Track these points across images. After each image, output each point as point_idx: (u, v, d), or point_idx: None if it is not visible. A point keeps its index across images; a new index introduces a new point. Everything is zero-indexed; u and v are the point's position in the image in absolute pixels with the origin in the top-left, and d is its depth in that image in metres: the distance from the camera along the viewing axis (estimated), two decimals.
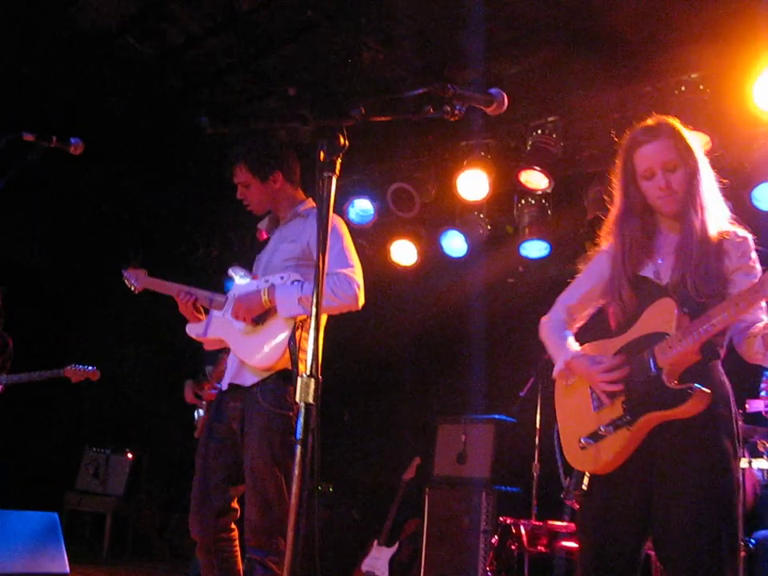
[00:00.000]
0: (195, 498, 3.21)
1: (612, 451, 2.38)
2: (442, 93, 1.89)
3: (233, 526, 3.22)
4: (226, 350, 5.43)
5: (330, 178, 1.85)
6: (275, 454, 3.07)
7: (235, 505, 3.23)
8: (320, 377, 1.72)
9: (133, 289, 3.59)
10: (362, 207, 6.39)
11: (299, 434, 1.67)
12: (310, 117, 1.80)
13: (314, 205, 3.41)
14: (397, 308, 6.98)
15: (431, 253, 6.51)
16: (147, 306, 5.77)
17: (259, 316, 3.18)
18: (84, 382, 5.04)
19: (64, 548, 4.32)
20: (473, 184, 5.88)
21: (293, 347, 3.05)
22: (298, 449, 1.66)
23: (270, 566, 3.03)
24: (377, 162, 6.38)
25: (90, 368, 5.18)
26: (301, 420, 1.68)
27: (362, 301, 3.12)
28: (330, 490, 6.53)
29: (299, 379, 1.72)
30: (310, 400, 1.68)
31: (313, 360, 1.73)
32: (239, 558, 3.25)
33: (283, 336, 3.10)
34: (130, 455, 7.41)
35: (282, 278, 3.19)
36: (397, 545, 6.12)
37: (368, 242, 6.65)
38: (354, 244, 3.29)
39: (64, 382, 5.54)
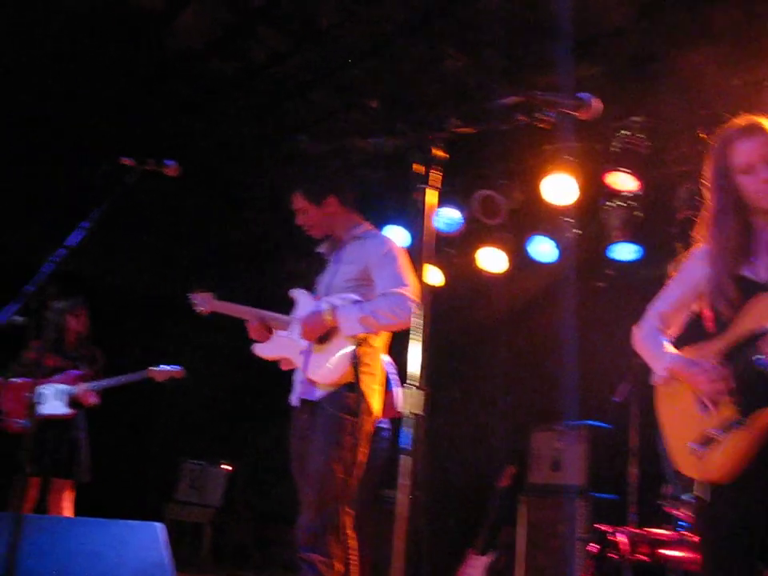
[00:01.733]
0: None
1: (727, 455, 2.30)
2: (531, 100, 1.89)
3: (349, 532, 3.33)
4: None
5: (426, 190, 1.86)
6: (336, 453, 3.21)
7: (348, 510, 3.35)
8: (427, 389, 1.74)
9: (200, 311, 3.75)
10: (448, 216, 6.40)
11: (406, 445, 1.69)
12: (405, 130, 1.82)
13: (371, 227, 3.62)
14: (486, 315, 6.95)
15: (520, 259, 6.47)
16: (239, 322, 5.89)
17: (323, 335, 3.33)
18: (182, 398, 5.17)
19: (170, 557, 4.42)
20: (559, 188, 5.82)
21: (355, 362, 3.24)
22: (407, 459, 1.68)
23: (318, 566, 3.10)
24: (462, 170, 6.37)
25: (175, 367, 5.27)
26: (410, 430, 1.70)
27: None
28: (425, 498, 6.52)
29: (406, 391, 1.75)
30: (419, 411, 1.70)
31: (421, 371, 1.75)
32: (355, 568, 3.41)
33: (346, 352, 3.28)
34: (226, 467, 7.57)
35: (342, 298, 3.36)
36: (492, 553, 6.07)
37: (456, 250, 6.65)
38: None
39: (159, 395, 5.69)
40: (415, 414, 1.72)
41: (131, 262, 8.33)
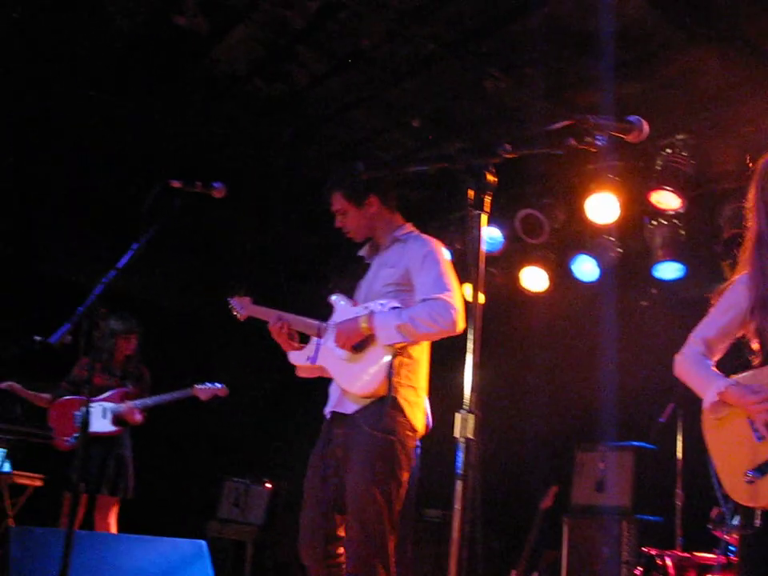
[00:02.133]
0: (304, 526, 3.25)
1: None
2: (582, 124, 1.89)
3: (340, 551, 3.20)
4: None
5: (480, 216, 1.86)
6: (376, 477, 3.03)
7: (342, 532, 3.20)
8: (479, 412, 1.73)
9: (238, 316, 3.64)
10: (490, 235, 6.39)
11: (460, 469, 1.69)
12: (458, 157, 1.83)
13: (413, 229, 3.43)
14: (528, 335, 6.93)
15: (562, 278, 6.44)
16: None
17: (359, 343, 3.16)
18: (223, 415, 5.18)
19: (213, 574, 4.46)
20: (602, 207, 5.80)
21: (390, 374, 3.05)
22: (459, 484, 1.67)
23: None
24: (504, 188, 6.37)
25: (218, 385, 5.27)
26: (461, 455, 1.69)
27: (460, 326, 3.02)
28: None
29: (457, 414, 1.74)
30: (470, 435, 1.69)
31: (471, 394, 1.74)
32: None
33: (383, 363, 3.09)
34: (268, 485, 7.58)
35: (381, 304, 3.18)
36: (535, 575, 6.02)
37: (497, 270, 6.64)
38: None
39: (202, 414, 5.71)
40: (467, 439, 1.71)
41: (174, 282, 8.44)
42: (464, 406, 1.75)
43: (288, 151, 6.88)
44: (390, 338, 3.07)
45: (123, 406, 5.24)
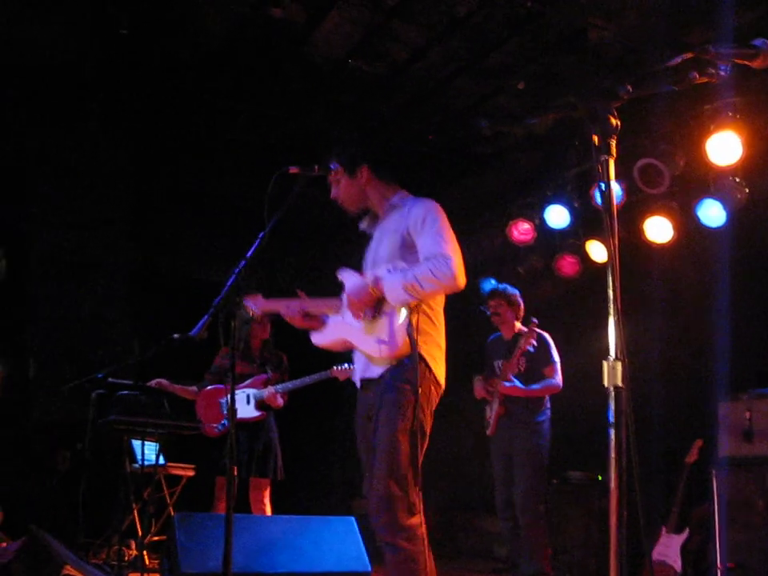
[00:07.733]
0: (366, 492, 3.23)
1: None
2: (703, 55, 1.82)
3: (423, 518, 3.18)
4: (503, 346, 5.52)
5: (608, 161, 1.83)
6: (404, 426, 3.05)
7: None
8: (626, 360, 1.71)
9: (254, 315, 3.74)
10: None
11: (611, 418, 1.67)
12: (579, 102, 1.80)
13: (407, 194, 3.43)
14: (656, 288, 6.72)
15: (687, 226, 6.21)
16: None
17: (374, 309, 3.22)
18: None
19: (364, 549, 4.56)
20: (724, 148, 5.55)
21: (410, 332, 3.09)
22: (612, 432, 1.66)
23: (400, 544, 2.98)
24: (619, 139, 6.19)
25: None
26: (611, 404, 1.68)
27: (461, 280, 3.06)
28: (599, 478, 6.37)
29: (605, 363, 1.73)
30: (619, 383, 1.67)
31: (617, 343, 1.72)
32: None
33: (401, 322, 3.13)
34: None
35: (388, 269, 3.21)
36: (686, 532, 5.87)
37: (620, 224, 6.44)
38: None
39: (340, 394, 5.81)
40: (616, 387, 1.69)
41: (299, 269, 8.62)
42: (611, 355, 1.73)
43: (393, 129, 6.91)
44: (399, 298, 3.12)
45: (265, 392, 5.39)
